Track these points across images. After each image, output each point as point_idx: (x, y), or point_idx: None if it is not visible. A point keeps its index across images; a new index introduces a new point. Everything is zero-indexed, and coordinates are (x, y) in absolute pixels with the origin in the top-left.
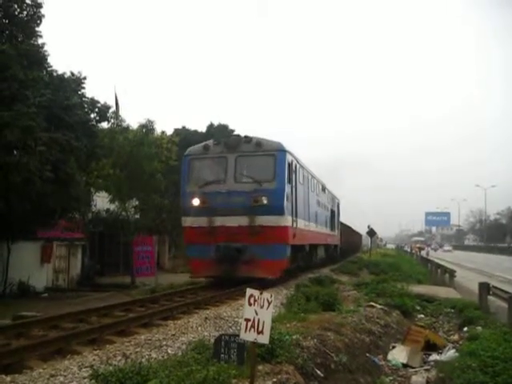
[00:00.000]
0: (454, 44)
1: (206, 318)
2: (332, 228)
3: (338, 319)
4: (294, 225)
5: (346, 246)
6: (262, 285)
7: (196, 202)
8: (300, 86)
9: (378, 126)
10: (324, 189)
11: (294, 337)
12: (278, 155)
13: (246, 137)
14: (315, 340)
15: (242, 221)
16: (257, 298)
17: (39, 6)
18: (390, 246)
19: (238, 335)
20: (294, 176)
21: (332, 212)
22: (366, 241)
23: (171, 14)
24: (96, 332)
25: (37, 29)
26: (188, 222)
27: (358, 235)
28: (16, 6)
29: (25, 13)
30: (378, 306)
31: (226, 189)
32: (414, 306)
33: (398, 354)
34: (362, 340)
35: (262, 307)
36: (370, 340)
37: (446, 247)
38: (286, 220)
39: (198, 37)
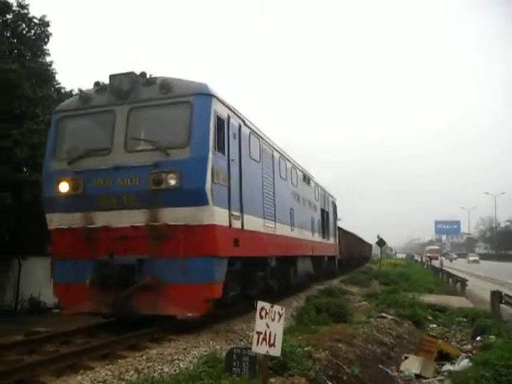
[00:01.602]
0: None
1: (217, 331)
2: (324, 234)
3: (349, 330)
4: (236, 224)
5: (349, 257)
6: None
7: (64, 187)
8: (298, 93)
9: (375, 131)
10: (308, 180)
11: (306, 349)
12: (198, 103)
13: (143, 74)
14: (327, 352)
15: (136, 217)
16: (268, 310)
17: (47, 24)
18: (400, 255)
19: (250, 348)
20: (235, 144)
21: (324, 213)
22: (376, 251)
23: (170, 17)
24: (108, 347)
25: (44, 47)
26: (54, 221)
27: (366, 245)
28: (24, 25)
29: (32, 31)
30: (390, 317)
31: (112, 163)
32: (425, 316)
33: (411, 365)
34: (374, 351)
35: (273, 320)
36: (382, 351)
37: (472, 257)
38: (213, 214)
39: (200, 42)
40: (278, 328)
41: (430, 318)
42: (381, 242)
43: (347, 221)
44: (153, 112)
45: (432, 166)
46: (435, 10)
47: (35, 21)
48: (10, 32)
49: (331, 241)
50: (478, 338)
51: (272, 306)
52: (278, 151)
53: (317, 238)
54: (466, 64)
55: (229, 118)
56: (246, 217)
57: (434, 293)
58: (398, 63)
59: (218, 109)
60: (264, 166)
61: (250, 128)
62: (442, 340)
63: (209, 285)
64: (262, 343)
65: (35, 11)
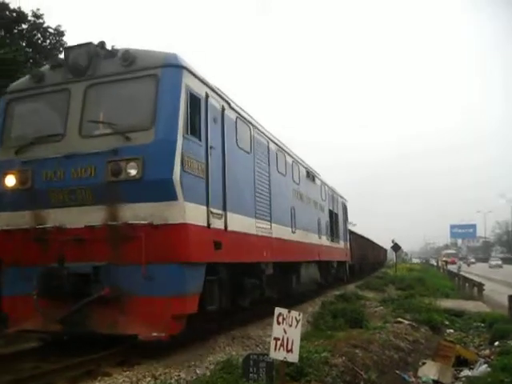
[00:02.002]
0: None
1: (233, 337)
2: (333, 238)
3: (365, 336)
4: (217, 223)
5: (362, 263)
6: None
7: (10, 181)
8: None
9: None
10: (313, 178)
11: (323, 354)
12: (165, 76)
13: (101, 44)
14: (343, 357)
15: (92, 216)
16: (285, 316)
17: (62, 34)
18: (416, 260)
19: (267, 354)
20: (216, 129)
21: (332, 215)
22: (391, 256)
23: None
24: (125, 353)
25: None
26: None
27: (381, 250)
28: (39, 35)
29: (48, 41)
30: (406, 322)
31: (65, 151)
32: (442, 321)
33: (429, 371)
34: (391, 357)
35: (290, 326)
36: (399, 356)
37: (494, 260)
38: (184, 211)
39: (197, 38)
40: (295, 334)
41: (447, 322)
42: (396, 247)
43: (361, 226)
44: (113, 89)
45: (447, 177)
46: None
47: (50, 30)
48: (26, 41)
49: (341, 245)
50: (497, 343)
51: (289, 312)
52: (275, 143)
53: (324, 241)
54: (474, 61)
55: (207, 97)
56: (230, 215)
57: (451, 297)
58: (413, 63)
59: (191, 85)
60: (257, 158)
61: (237, 112)
62: (460, 345)
63: (179, 297)
64: (279, 349)
65: (50, 21)
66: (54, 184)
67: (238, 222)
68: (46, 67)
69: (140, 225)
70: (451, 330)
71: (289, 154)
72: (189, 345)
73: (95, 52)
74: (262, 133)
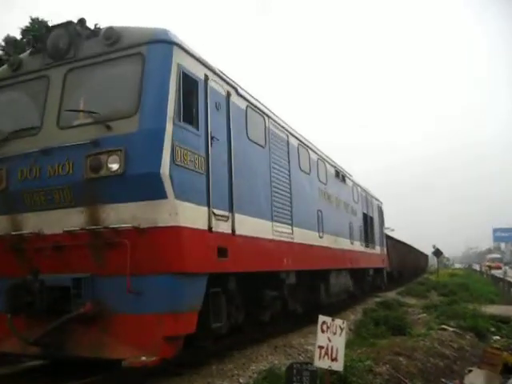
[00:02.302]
0: None
1: (275, 346)
2: (368, 243)
3: (409, 343)
4: (222, 227)
5: (402, 269)
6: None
7: None
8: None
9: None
10: (343, 178)
11: (366, 363)
12: (153, 53)
13: (82, 22)
14: (387, 365)
15: (71, 219)
16: (329, 324)
17: None
18: (458, 265)
19: (310, 363)
20: (220, 117)
21: (367, 218)
22: (433, 261)
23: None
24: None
25: None
26: None
27: (422, 255)
28: None
29: None
30: (450, 329)
31: (42, 145)
32: (488, 328)
33: (475, 378)
34: (436, 364)
35: (334, 334)
36: (444, 364)
37: None
38: (177, 211)
39: (196, 38)
40: (339, 342)
41: (493, 329)
42: (437, 253)
43: (400, 231)
44: (95, 72)
45: (489, 181)
46: None
47: None
48: None
49: (377, 250)
50: None
51: (333, 320)
52: (296, 137)
53: (358, 247)
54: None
55: (206, 79)
56: (239, 218)
57: (496, 303)
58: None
59: (185, 64)
60: (273, 153)
61: (247, 101)
62: (507, 352)
63: (172, 315)
64: (324, 357)
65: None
66: (28, 184)
67: (250, 225)
68: (25, 54)
69: (124, 229)
70: (497, 337)
71: (313, 151)
72: (227, 354)
73: (76, 32)
74: (280, 125)
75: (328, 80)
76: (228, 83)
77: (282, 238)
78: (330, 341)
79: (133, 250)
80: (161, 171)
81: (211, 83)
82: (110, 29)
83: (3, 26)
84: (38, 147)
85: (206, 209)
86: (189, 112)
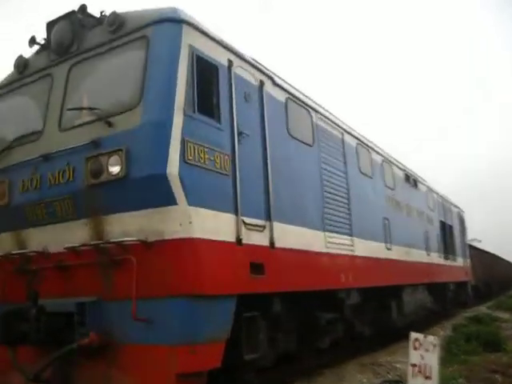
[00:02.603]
0: None
1: (362, 363)
2: (447, 254)
3: (504, 360)
4: (255, 238)
5: (489, 282)
6: None
7: None
8: None
9: None
10: (415, 182)
11: (459, 380)
12: (158, 34)
13: (82, 9)
14: None
15: (74, 234)
16: (421, 341)
17: None
18: None
19: (401, 381)
20: (250, 110)
21: (445, 227)
22: None
23: None
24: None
25: None
26: None
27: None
28: None
29: None
30: None
31: (42, 151)
32: None
33: None
34: None
35: (427, 351)
36: None
37: None
38: (191, 220)
39: None
40: (432, 359)
41: None
42: None
43: (487, 242)
44: (98, 64)
45: None
46: None
47: None
48: None
49: (459, 262)
50: None
51: (425, 337)
52: (353, 136)
53: (435, 259)
54: None
55: (230, 65)
56: (279, 227)
57: None
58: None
59: (199, 46)
60: (324, 152)
61: (287, 92)
62: None
63: (186, 347)
64: (417, 376)
65: None
66: (29, 196)
67: (294, 237)
68: (32, 53)
69: (129, 243)
70: None
71: (376, 152)
72: (313, 373)
73: (79, 22)
74: (332, 121)
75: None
76: (260, 71)
77: (339, 251)
78: (422, 358)
79: (140, 269)
80: (167, 171)
81: (237, 70)
82: (113, 14)
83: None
84: (39, 153)
85: (232, 217)
86: (207, 102)
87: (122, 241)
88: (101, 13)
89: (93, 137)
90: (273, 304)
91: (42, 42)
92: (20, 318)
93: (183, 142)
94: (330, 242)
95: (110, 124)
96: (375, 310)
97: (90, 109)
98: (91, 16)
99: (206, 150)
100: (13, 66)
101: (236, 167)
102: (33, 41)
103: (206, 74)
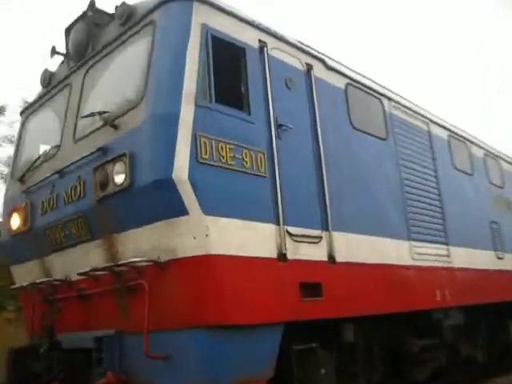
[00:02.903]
0: None
1: None
2: None
3: None
4: (309, 251)
5: None
6: None
7: (15, 221)
8: None
9: None
10: None
11: None
12: (164, 16)
13: (92, 5)
14: None
15: (91, 257)
16: None
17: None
18: None
19: None
20: (294, 99)
21: None
22: None
23: None
24: None
25: None
26: (17, 278)
27: None
28: None
29: None
30: None
31: (58, 166)
32: None
33: None
34: None
35: None
36: None
37: None
38: (207, 232)
39: None
40: None
41: None
42: None
43: None
44: (109, 63)
45: None
46: None
47: None
48: None
49: None
50: None
51: None
52: (442, 126)
53: None
54: None
55: (263, 47)
56: (342, 238)
57: None
58: None
59: (216, 25)
60: (402, 147)
61: (345, 76)
62: None
63: None
64: None
65: None
66: (48, 218)
67: (367, 248)
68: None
69: (141, 265)
70: None
71: (475, 144)
72: None
73: (93, 21)
74: (412, 110)
75: None
76: (308, 53)
77: (431, 263)
78: None
79: (153, 295)
80: (173, 175)
81: (274, 52)
82: (122, 4)
83: None
84: (54, 169)
85: (272, 227)
86: (230, 91)
87: (131, 262)
88: (115, 8)
89: (101, 144)
90: (343, 331)
91: (63, 50)
92: (33, 356)
93: (195, 138)
94: (417, 253)
95: (115, 127)
96: (489, 331)
97: (100, 113)
98: (104, 13)
99: (229, 146)
100: (41, 79)
101: (275, 167)
102: (53, 51)
103: (228, 58)
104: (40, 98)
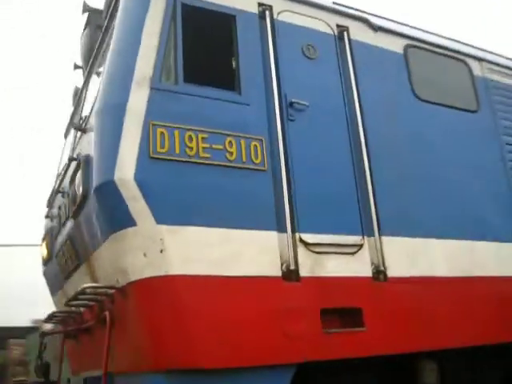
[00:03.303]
0: None
1: None
2: None
3: None
4: (338, 265)
5: None
6: None
7: (43, 251)
8: None
9: None
10: None
11: None
12: None
13: (85, 6)
14: None
15: (82, 283)
16: None
17: None
18: None
19: None
20: (312, 68)
21: None
22: None
23: None
24: None
25: None
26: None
27: None
28: None
29: None
30: None
31: (63, 183)
32: None
33: None
34: None
35: None
36: None
37: None
38: (162, 247)
39: None
40: None
41: None
42: None
43: None
44: (97, 61)
45: None
46: None
47: None
48: None
49: None
50: None
51: None
52: None
53: None
54: None
55: (265, 11)
56: (399, 243)
57: None
58: None
59: None
60: (506, 119)
61: (403, 36)
62: None
63: None
64: None
65: None
66: (57, 243)
67: (442, 257)
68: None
69: (102, 292)
70: None
71: None
72: None
73: (93, 23)
74: None
75: None
76: (337, 12)
77: None
78: None
79: (117, 329)
80: (115, 176)
81: (283, 16)
82: None
83: None
84: (57, 189)
85: (273, 234)
86: (212, 67)
87: (88, 287)
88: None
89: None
90: (420, 371)
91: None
92: None
93: (147, 129)
94: None
95: (84, 131)
96: None
97: (81, 119)
98: (92, 8)
99: (201, 135)
100: (73, 94)
101: (281, 156)
102: (75, 66)
103: (210, 28)
104: (71, 118)
